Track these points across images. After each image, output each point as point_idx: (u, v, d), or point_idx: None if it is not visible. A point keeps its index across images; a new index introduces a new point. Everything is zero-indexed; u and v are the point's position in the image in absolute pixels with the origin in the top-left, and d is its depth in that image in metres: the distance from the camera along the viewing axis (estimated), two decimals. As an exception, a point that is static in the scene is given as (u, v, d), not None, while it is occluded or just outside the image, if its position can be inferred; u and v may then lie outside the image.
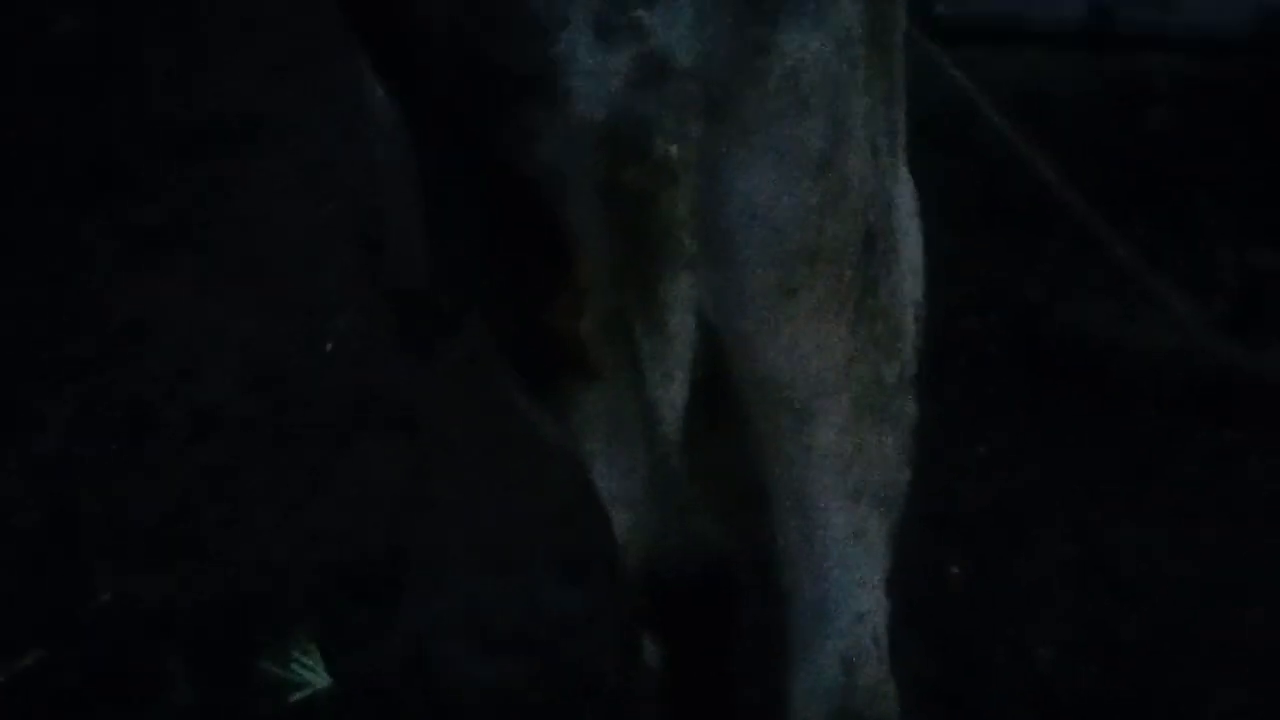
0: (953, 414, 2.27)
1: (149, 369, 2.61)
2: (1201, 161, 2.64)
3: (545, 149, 0.98)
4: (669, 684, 1.36)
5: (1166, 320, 2.13)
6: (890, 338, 1.17)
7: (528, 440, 2.21)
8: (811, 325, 1.09)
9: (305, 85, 3.18)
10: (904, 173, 1.19)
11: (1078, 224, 2.05)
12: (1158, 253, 2.26)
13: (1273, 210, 2.52)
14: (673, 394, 1.07)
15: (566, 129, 0.96)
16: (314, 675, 1.99)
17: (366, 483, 2.35)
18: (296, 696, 1.98)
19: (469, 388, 2.43)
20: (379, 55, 1.10)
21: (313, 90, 3.13)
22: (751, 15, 0.99)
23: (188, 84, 3.23)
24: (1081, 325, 2.40)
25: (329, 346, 2.59)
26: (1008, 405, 2.32)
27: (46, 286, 2.78)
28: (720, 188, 1.03)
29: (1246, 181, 2.58)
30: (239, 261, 2.83)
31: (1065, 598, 2.05)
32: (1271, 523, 2.12)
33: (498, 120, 0.98)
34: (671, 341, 1.04)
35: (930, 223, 1.39)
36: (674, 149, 0.96)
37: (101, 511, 2.34)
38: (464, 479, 2.33)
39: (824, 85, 1.02)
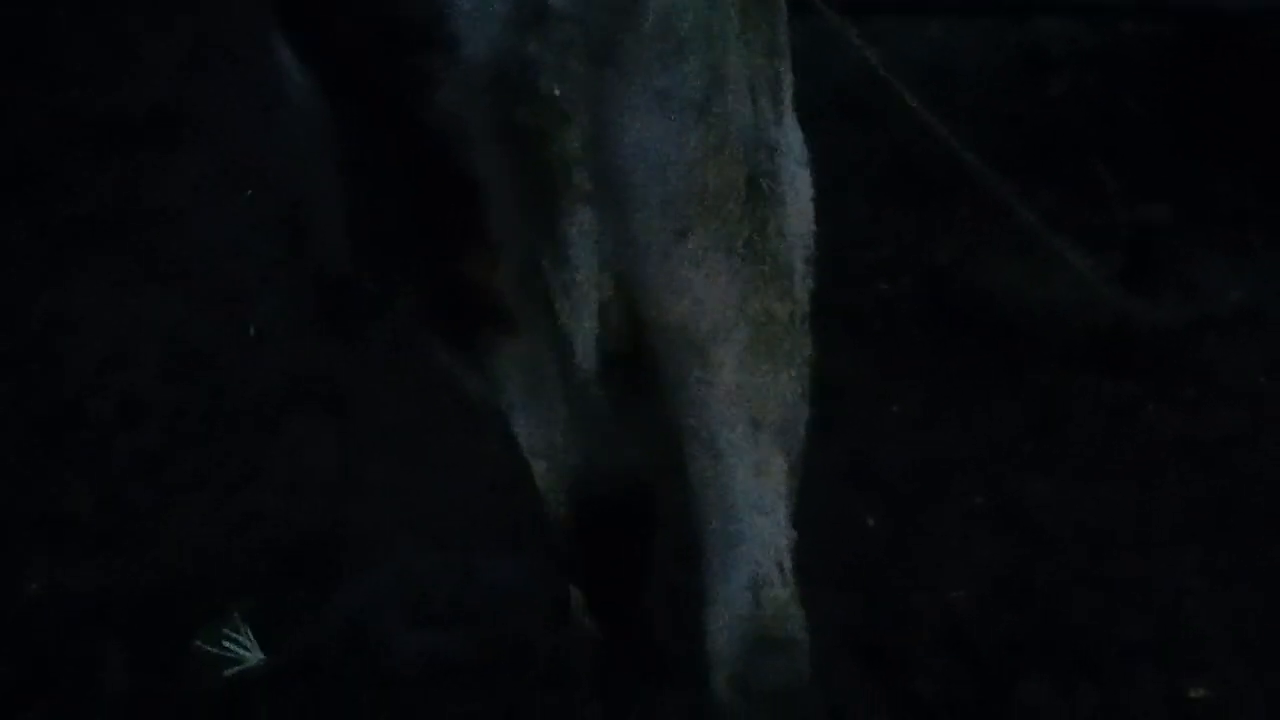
0: (868, 375, 2.35)
1: (74, 362, 2.60)
2: (1096, 125, 2.74)
3: (443, 96, 1.02)
4: (596, 625, 1.40)
5: (1068, 278, 2.21)
6: (780, 277, 1.22)
7: (458, 417, 2.25)
8: (703, 266, 1.15)
9: (222, 76, 3.16)
10: (791, 121, 1.24)
11: (983, 189, 2.11)
12: (1058, 214, 2.34)
13: (1161, 168, 2.63)
14: (584, 328, 1.11)
15: (460, 74, 1.01)
16: (247, 651, 2.01)
17: (298, 464, 2.35)
18: (230, 672, 2.00)
19: (397, 368, 2.45)
20: (286, 20, 1.13)
21: (230, 81, 3.12)
22: None
23: (103, 77, 3.20)
24: (989, 286, 2.49)
25: (252, 331, 2.59)
26: (920, 365, 2.39)
27: (-35, 285, 2.75)
28: (610, 131, 1.08)
29: (1136, 142, 2.68)
30: (161, 252, 2.81)
31: (978, 547, 2.12)
32: (1168, 468, 2.21)
33: (398, 71, 1.02)
34: (577, 275, 1.09)
35: (843, 192, 1.45)
36: (558, 87, 1.01)
37: (30, 503, 2.32)
38: (395, 457, 2.35)
39: (698, 32, 1.07)
